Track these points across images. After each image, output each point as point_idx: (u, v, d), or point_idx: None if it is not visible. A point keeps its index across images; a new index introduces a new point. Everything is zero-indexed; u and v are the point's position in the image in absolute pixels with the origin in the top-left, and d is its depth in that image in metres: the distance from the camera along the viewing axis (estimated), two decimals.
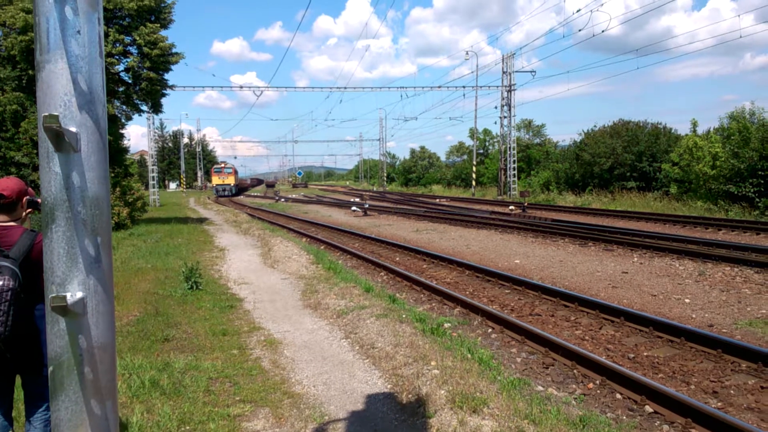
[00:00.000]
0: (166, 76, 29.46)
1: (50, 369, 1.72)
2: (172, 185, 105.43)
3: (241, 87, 53.59)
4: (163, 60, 27.56)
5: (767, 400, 6.07)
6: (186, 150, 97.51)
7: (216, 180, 70.57)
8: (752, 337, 8.14)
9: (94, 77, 1.75)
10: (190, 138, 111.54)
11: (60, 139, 1.66)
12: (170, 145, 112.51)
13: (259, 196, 68.87)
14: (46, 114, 1.62)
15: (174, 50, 28.80)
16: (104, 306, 1.76)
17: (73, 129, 1.68)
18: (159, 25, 27.31)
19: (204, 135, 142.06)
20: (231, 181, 70.29)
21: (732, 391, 6.35)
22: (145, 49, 25.77)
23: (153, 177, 53.80)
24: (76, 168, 1.70)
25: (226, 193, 68.48)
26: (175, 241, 20.10)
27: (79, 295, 1.69)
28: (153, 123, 56.53)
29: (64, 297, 1.63)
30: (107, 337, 1.77)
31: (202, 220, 30.32)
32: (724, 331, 8.50)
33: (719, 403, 6.05)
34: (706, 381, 6.64)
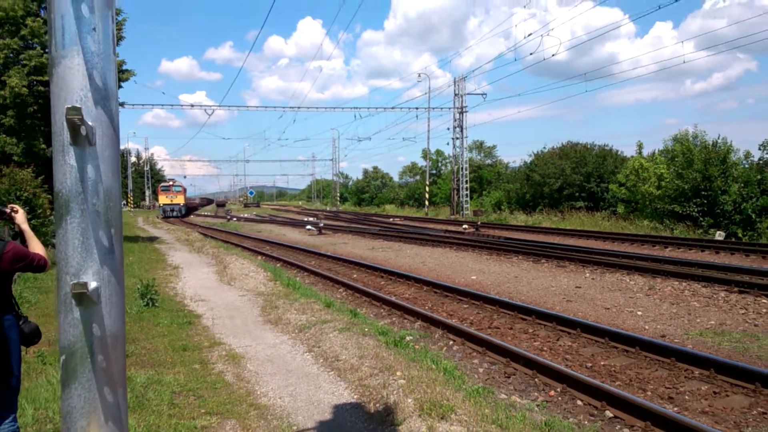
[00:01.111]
0: None
1: (62, 358, 1.74)
2: None
3: (192, 105, 53.18)
4: None
5: (720, 405, 6.33)
6: (133, 169, 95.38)
7: (163, 199, 64.40)
8: (703, 347, 8.47)
9: (108, 74, 1.80)
10: (138, 157, 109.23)
11: (76, 132, 1.71)
12: None
13: (210, 216, 67.80)
14: (69, 106, 1.67)
15: (124, 67, 28.47)
16: (116, 296, 1.80)
17: (89, 123, 1.73)
18: None
19: (152, 154, 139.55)
20: (180, 200, 64.77)
21: (687, 397, 6.60)
22: None
23: None
24: (91, 161, 1.75)
25: (175, 213, 62.45)
26: (126, 259, 19.68)
27: (94, 284, 1.73)
28: None
29: (85, 284, 1.67)
30: (119, 326, 1.81)
31: (152, 239, 29.77)
32: (677, 341, 8.82)
33: (675, 408, 6.29)
34: (662, 388, 6.88)
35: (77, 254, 1.73)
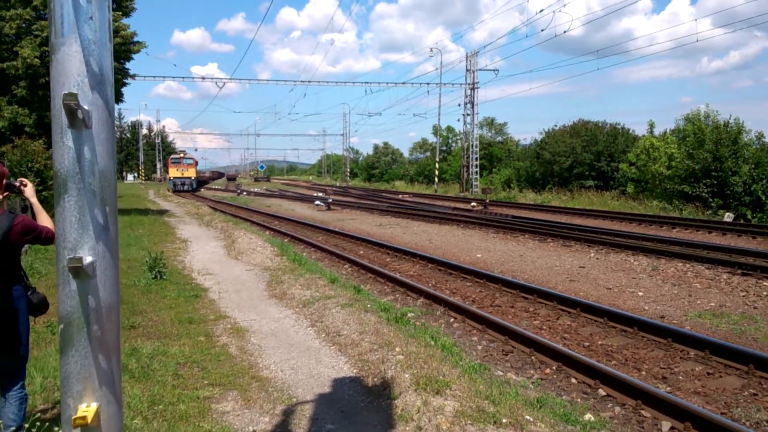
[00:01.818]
0: (127, 65, 29.16)
1: (61, 326, 1.87)
2: (130, 177, 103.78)
3: (203, 78, 53.11)
4: (124, 49, 27.23)
5: (713, 385, 6.43)
6: (145, 141, 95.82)
7: (174, 172, 61.44)
8: (701, 328, 8.55)
9: (104, 60, 1.90)
10: (149, 129, 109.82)
11: (74, 116, 1.81)
12: (128, 135, 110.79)
13: (220, 190, 68.10)
14: (66, 92, 1.77)
15: (136, 39, 28.52)
16: (111, 270, 1.92)
17: (86, 107, 1.83)
18: (121, 13, 26.97)
19: (164, 126, 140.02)
20: (191, 173, 61.61)
21: (681, 377, 6.71)
22: None
23: None
24: (87, 143, 1.86)
25: (186, 187, 59.52)
26: (136, 232, 19.92)
27: (89, 259, 1.85)
28: None
29: (81, 258, 1.79)
30: (113, 298, 1.93)
31: (162, 212, 30.03)
32: (675, 322, 8.91)
33: (668, 388, 6.40)
34: (657, 368, 6.99)
35: (74, 230, 1.85)
